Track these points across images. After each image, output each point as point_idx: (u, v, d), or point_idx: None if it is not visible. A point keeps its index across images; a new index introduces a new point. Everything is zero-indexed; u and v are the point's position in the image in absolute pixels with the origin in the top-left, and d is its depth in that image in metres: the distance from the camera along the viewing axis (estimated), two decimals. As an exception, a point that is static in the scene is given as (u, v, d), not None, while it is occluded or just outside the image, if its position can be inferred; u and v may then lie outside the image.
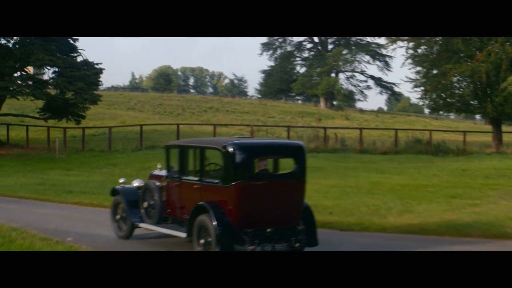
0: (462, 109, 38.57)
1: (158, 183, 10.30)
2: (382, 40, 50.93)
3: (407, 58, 35.53)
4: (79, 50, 33.72)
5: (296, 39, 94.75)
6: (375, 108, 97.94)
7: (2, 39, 30.43)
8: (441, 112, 54.10)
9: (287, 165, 9.51)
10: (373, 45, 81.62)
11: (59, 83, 31.68)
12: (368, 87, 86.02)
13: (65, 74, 31.35)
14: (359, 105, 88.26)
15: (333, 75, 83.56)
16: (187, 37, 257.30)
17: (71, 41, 32.91)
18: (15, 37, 29.64)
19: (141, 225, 10.46)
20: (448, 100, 35.90)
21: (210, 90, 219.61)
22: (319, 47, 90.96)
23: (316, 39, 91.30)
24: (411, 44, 34.51)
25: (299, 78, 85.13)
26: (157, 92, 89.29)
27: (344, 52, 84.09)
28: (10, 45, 31.69)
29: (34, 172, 24.12)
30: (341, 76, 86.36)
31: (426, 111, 64.37)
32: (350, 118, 58.49)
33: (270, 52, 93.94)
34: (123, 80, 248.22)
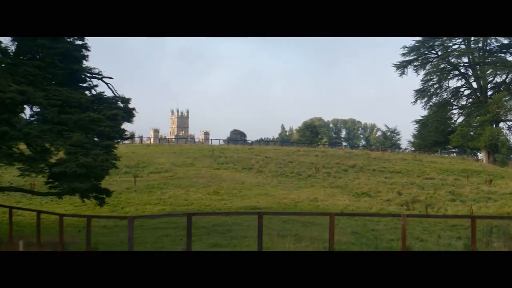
0: None
1: None
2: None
3: None
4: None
5: (452, 84, 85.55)
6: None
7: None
8: None
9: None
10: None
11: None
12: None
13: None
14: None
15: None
16: (341, 89, 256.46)
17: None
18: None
19: None
20: None
21: (363, 142, 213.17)
22: (478, 93, 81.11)
23: (474, 84, 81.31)
24: None
25: (458, 129, 75.64)
26: (300, 145, 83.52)
27: (507, 98, 73.24)
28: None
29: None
30: (502, 125, 76.39)
31: None
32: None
33: (425, 100, 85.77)
34: (274, 133, 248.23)
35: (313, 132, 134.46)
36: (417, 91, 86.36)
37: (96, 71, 21.12)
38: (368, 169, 45.38)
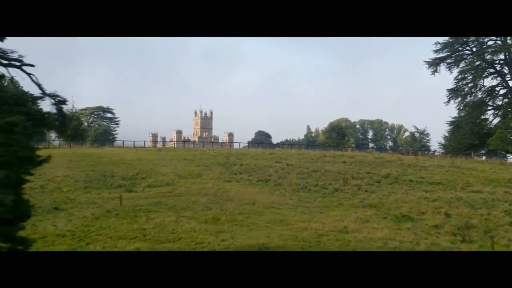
0: None
1: None
2: None
3: None
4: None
5: (488, 83, 79.48)
6: None
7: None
8: None
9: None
10: None
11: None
12: None
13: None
14: None
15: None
16: (367, 88, 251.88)
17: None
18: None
19: None
20: None
21: (390, 143, 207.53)
22: (515, 93, 74.56)
23: (511, 83, 75.25)
24: None
25: (497, 132, 69.43)
26: (327, 148, 78.23)
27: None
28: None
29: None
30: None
31: None
32: None
33: (458, 100, 79.62)
34: (299, 134, 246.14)
35: (339, 134, 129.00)
36: (450, 90, 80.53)
37: (15, 55, 14.77)
38: (404, 179, 38.76)
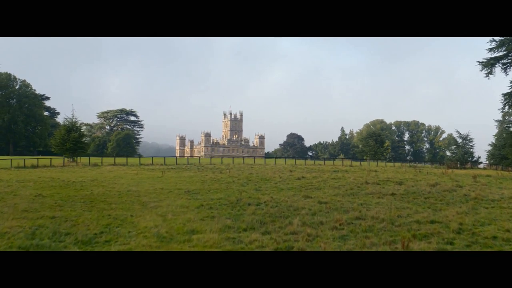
0: None
1: None
2: None
3: None
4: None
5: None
6: None
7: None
8: None
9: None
10: None
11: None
12: None
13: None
14: None
15: None
16: (405, 88, 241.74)
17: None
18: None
19: None
20: None
21: (427, 146, 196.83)
22: None
23: None
24: None
25: None
26: (363, 156, 68.85)
27: None
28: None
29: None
30: None
31: None
32: None
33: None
34: (333, 136, 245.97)
35: (377, 142, 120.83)
36: (506, 95, 69.69)
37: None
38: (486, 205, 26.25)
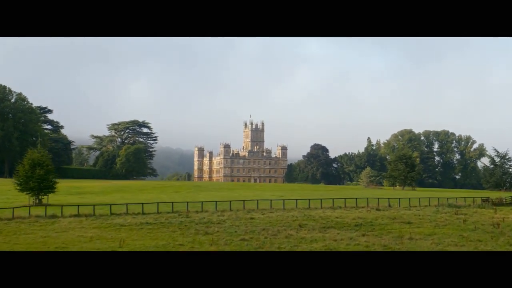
0: None
1: None
2: None
3: None
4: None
5: None
6: None
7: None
8: None
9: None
10: None
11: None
12: None
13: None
14: None
15: None
16: (430, 91, 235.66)
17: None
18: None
19: None
20: None
21: (457, 156, 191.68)
22: None
23: None
24: None
25: None
26: (391, 181, 66.57)
27: None
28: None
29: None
30: None
31: None
32: None
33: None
34: (359, 146, 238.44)
35: (407, 165, 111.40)
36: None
37: None
38: None
